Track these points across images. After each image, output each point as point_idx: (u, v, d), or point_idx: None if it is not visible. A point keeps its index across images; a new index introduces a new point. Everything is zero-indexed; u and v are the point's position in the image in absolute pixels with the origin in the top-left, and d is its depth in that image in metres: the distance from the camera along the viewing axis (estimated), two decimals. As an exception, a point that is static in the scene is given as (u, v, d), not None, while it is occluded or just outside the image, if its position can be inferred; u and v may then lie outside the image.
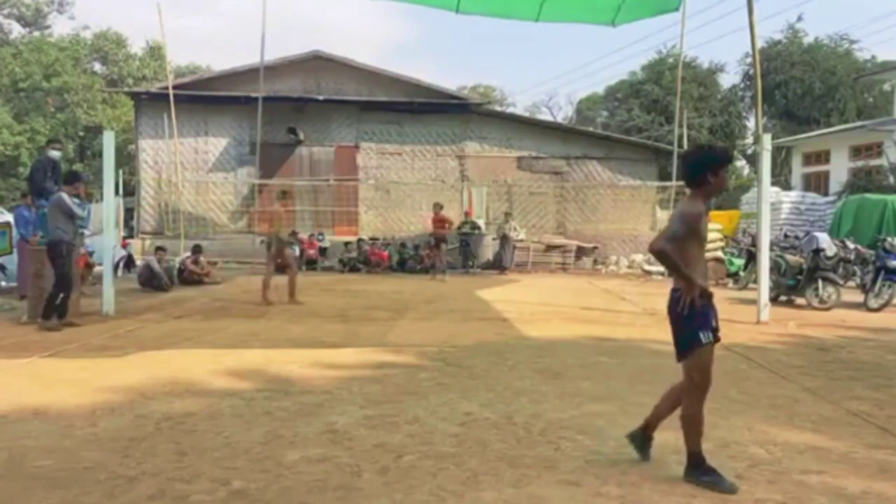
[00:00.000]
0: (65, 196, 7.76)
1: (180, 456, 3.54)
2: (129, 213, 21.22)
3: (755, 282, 9.80)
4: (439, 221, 15.52)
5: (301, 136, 19.89)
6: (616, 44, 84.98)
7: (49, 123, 34.48)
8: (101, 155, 10.34)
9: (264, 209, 11.13)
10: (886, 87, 30.98)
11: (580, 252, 19.05)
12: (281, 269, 10.61)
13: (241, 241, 18.78)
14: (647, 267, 17.97)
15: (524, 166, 20.76)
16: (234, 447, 3.68)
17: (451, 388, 5.03)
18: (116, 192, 10.78)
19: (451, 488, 3.16)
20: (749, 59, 32.81)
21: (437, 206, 15.74)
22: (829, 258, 10.57)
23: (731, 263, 15.73)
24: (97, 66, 41.20)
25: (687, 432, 3.34)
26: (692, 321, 3.29)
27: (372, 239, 18.60)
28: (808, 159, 26.26)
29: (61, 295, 7.68)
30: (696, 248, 3.37)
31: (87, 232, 12.05)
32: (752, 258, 13.08)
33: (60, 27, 73.71)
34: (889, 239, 10.82)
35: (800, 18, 36.47)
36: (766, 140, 9.02)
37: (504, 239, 17.78)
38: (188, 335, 7.33)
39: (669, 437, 3.94)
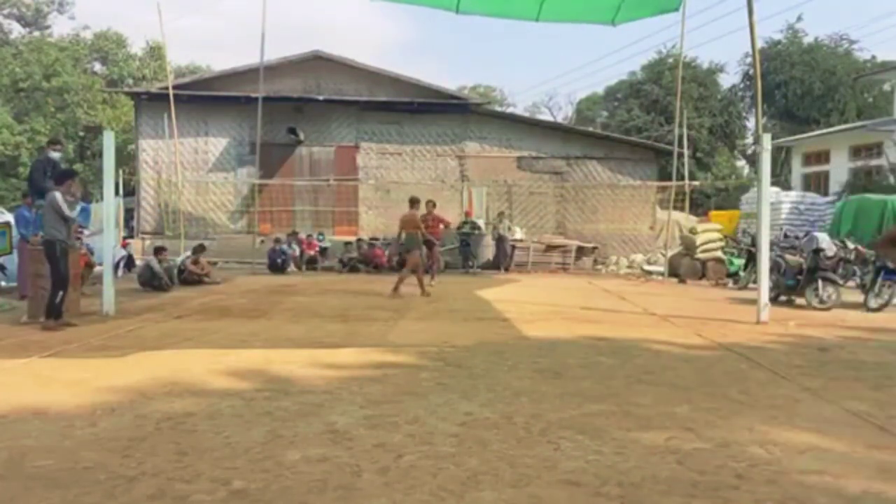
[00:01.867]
0: (58, 196, 7.76)
1: (180, 456, 3.54)
2: (129, 213, 21.23)
3: (755, 282, 9.81)
4: (434, 221, 14.10)
5: (301, 136, 19.90)
6: (616, 44, 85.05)
7: (49, 123, 34.47)
8: (101, 155, 10.33)
9: (407, 215, 12.42)
10: (886, 87, 31.00)
11: (580, 252, 19.06)
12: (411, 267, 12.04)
13: (241, 241, 18.80)
14: (646, 267, 17.99)
15: (524, 166, 20.77)
16: (234, 447, 3.68)
17: (451, 388, 5.03)
18: (116, 192, 10.77)
19: (451, 488, 3.15)
20: (749, 59, 32.83)
21: (431, 204, 14.17)
22: (829, 258, 10.57)
23: (731, 263, 15.74)
24: (97, 66, 41.20)
25: None
26: None
27: (372, 239, 18.61)
28: (808, 159, 26.29)
29: (60, 293, 7.70)
30: None
31: (86, 231, 12.08)
32: (751, 258, 13.09)
33: (60, 27, 73.77)
34: (889, 239, 10.80)
35: (800, 18, 36.52)
36: (766, 140, 9.01)
37: (500, 239, 17.79)
38: (188, 335, 7.33)
39: (666, 436, 3.95)
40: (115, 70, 39.73)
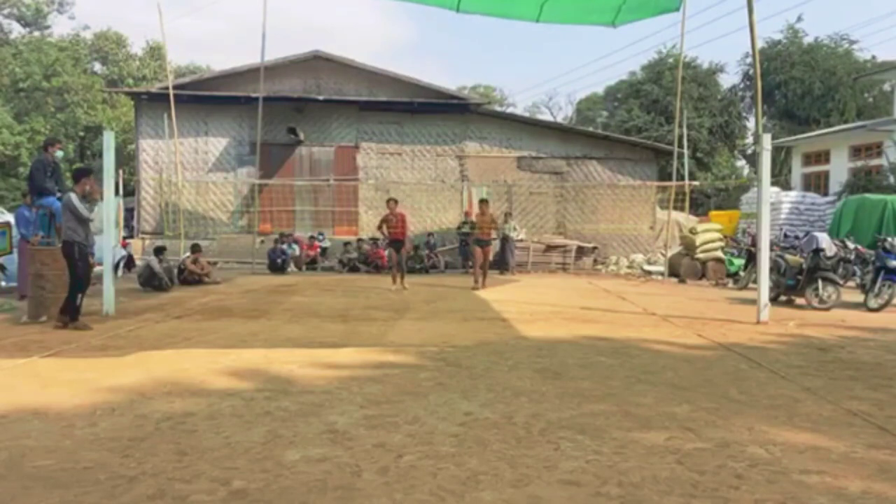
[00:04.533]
0: (74, 197, 7.75)
1: (180, 456, 3.54)
2: (130, 213, 21.24)
3: (755, 282, 9.81)
4: (400, 220, 12.93)
5: (301, 136, 19.90)
6: (616, 44, 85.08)
7: (49, 123, 34.47)
8: (101, 155, 10.33)
9: (479, 216, 13.51)
10: (886, 87, 31.02)
11: (580, 252, 19.06)
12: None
13: (241, 241, 18.81)
14: (646, 267, 17.99)
15: (524, 166, 20.78)
16: (234, 447, 3.68)
17: (451, 388, 5.03)
18: (116, 192, 10.77)
19: (451, 488, 3.15)
20: (749, 59, 32.86)
21: (393, 202, 13.15)
22: (829, 258, 10.57)
23: (731, 263, 15.76)
24: (97, 66, 41.23)
25: None
26: None
27: (372, 239, 18.61)
28: (808, 159, 26.30)
29: (80, 295, 7.73)
30: None
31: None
32: (752, 258, 13.10)
33: (60, 27, 73.94)
34: (889, 239, 10.83)
35: (800, 18, 36.61)
36: (766, 140, 9.00)
37: (505, 240, 17.77)
38: (188, 335, 7.33)
39: (666, 436, 3.95)
40: (115, 70, 39.77)
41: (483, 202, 14.08)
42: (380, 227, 13.21)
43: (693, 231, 16.90)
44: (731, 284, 14.83)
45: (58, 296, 8.03)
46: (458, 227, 18.32)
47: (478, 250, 13.36)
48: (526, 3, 11.59)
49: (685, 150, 19.40)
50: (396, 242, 13.01)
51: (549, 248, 18.83)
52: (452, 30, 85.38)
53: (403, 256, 13.27)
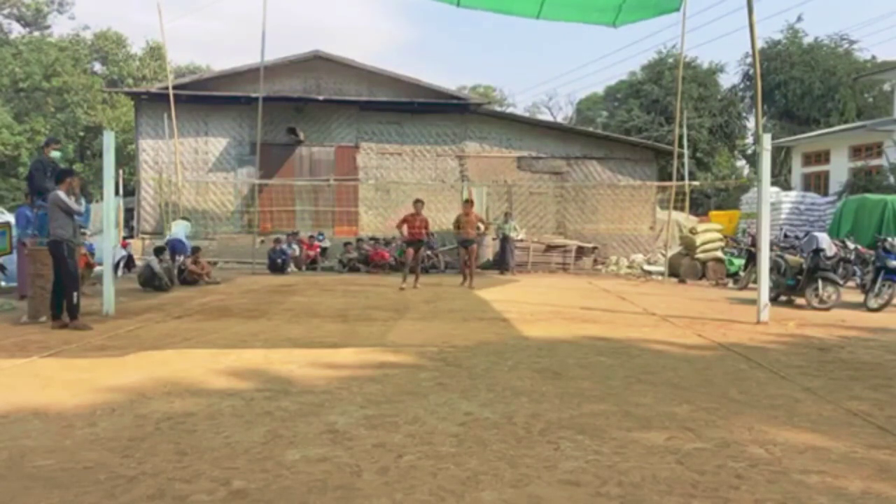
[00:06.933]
0: (61, 194, 7.75)
1: (180, 456, 3.54)
2: (130, 213, 21.24)
3: (755, 282, 9.80)
4: (422, 222, 13.07)
5: (301, 136, 19.91)
6: (616, 44, 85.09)
7: (49, 123, 34.48)
8: (101, 155, 10.33)
9: (466, 215, 13.86)
10: (886, 87, 31.00)
11: (580, 252, 19.06)
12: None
13: (241, 241, 18.81)
14: (646, 267, 17.99)
15: (524, 166, 20.78)
16: (234, 447, 3.68)
17: (451, 388, 5.03)
18: (116, 192, 10.77)
19: (451, 488, 3.15)
20: (749, 59, 32.86)
21: (420, 204, 13.16)
22: (829, 258, 10.57)
23: (731, 263, 15.75)
24: (97, 66, 41.24)
25: None
26: None
27: (372, 239, 18.61)
28: (808, 159, 26.31)
29: (75, 293, 7.72)
30: None
31: (87, 231, 12.08)
32: (752, 258, 13.09)
33: (60, 27, 74.03)
34: (889, 239, 10.83)
35: (800, 18, 36.68)
36: (766, 140, 8.99)
37: (505, 240, 17.77)
38: (188, 335, 7.33)
39: (666, 436, 3.95)
40: (115, 70, 39.78)
41: (467, 202, 14.41)
42: (399, 226, 13.09)
43: (693, 231, 16.89)
44: (731, 284, 14.83)
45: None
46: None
47: (462, 250, 14.00)
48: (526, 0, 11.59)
49: (685, 150, 19.41)
50: (417, 242, 13.04)
51: (549, 248, 18.83)
52: (452, 30, 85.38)
53: (420, 257, 13.47)
